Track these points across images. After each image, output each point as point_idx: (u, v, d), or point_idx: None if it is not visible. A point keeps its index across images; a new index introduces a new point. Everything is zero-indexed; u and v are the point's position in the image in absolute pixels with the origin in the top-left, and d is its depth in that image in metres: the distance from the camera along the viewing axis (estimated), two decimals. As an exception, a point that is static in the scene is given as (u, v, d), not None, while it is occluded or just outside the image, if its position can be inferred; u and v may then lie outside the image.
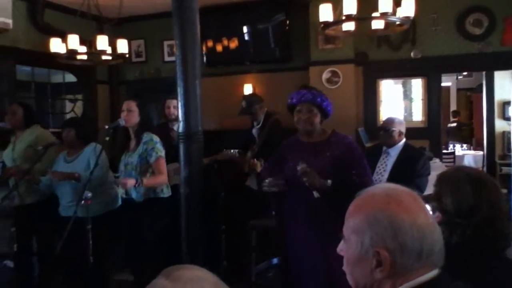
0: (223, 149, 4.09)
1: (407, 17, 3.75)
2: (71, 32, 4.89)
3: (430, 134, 6.25)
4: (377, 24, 3.96)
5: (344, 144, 2.80)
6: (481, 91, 8.74)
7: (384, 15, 3.63)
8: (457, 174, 1.66)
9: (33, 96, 6.79)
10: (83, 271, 3.45)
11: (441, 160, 6.13)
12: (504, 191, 4.29)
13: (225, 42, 6.78)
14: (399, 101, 6.61)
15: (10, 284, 4.21)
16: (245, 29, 6.67)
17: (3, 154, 4.15)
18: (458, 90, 12.38)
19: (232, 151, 3.87)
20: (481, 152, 8.73)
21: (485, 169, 8.03)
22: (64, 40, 4.84)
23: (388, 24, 3.95)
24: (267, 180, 2.77)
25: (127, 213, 3.79)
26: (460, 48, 5.94)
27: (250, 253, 4.27)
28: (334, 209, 2.53)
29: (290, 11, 6.43)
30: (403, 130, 3.94)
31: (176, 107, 3.27)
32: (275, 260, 4.52)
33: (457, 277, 1.14)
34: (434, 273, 1.10)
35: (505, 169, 7.66)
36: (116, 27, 6.46)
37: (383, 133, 3.95)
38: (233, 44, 6.75)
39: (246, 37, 6.70)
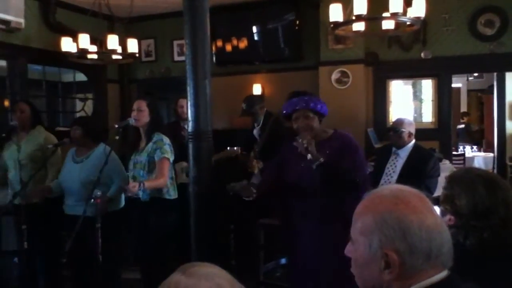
0: (226, 148, 4.10)
1: (418, 17, 3.72)
2: (83, 31, 4.93)
3: (440, 135, 6.21)
4: (388, 24, 3.94)
5: (342, 140, 2.86)
6: (492, 93, 8.66)
7: (394, 15, 3.61)
8: (469, 176, 1.64)
9: (44, 94, 6.84)
10: (93, 270, 3.46)
11: (451, 161, 6.09)
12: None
13: (235, 41, 6.79)
14: (409, 102, 6.57)
15: (19, 281, 4.25)
16: (254, 28, 6.68)
17: (4, 154, 4.07)
18: (469, 91, 12.28)
19: (235, 148, 3.89)
20: (491, 154, 8.66)
21: (495, 171, 7.96)
22: (75, 39, 4.88)
23: (399, 24, 3.93)
24: (237, 184, 2.82)
25: (133, 211, 3.81)
26: (471, 48, 5.89)
27: (258, 252, 4.27)
28: (339, 209, 2.55)
29: (300, 10, 6.42)
30: (413, 131, 3.92)
31: None
32: (283, 260, 4.53)
33: (473, 280, 1.13)
34: (443, 274, 1.09)
35: (516, 171, 7.60)
36: (126, 27, 6.49)
37: (392, 133, 3.93)
38: (243, 43, 6.76)
39: (256, 37, 6.70)
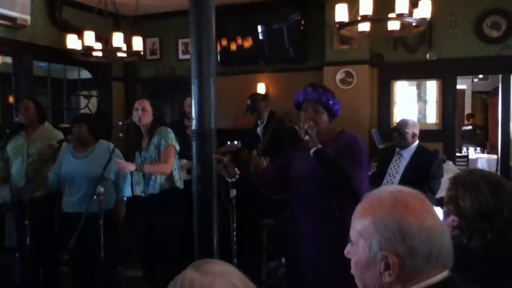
0: (227, 142, 4.12)
1: (424, 19, 3.72)
2: (88, 29, 4.94)
3: (444, 137, 6.20)
4: (393, 25, 3.93)
5: (347, 141, 2.72)
6: (497, 95, 8.64)
7: (400, 16, 3.61)
8: (474, 177, 1.63)
9: (49, 91, 6.86)
10: (95, 267, 3.47)
11: (454, 163, 6.08)
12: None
13: (240, 41, 6.79)
14: (413, 103, 6.56)
15: (20, 277, 4.26)
16: (260, 28, 6.68)
17: (10, 150, 4.09)
18: (474, 93, 12.25)
19: (235, 142, 3.89)
20: (495, 156, 8.63)
21: (498, 173, 7.94)
22: (81, 36, 4.89)
23: (404, 26, 3.92)
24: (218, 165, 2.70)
25: (137, 209, 3.82)
26: (477, 50, 5.88)
27: (261, 251, 4.28)
28: (340, 209, 2.51)
29: (306, 11, 6.42)
30: (417, 132, 3.91)
31: None
32: (285, 259, 4.53)
33: (477, 281, 1.13)
34: (444, 274, 1.09)
35: (519, 174, 7.57)
36: (132, 25, 6.51)
37: (396, 134, 3.93)
38: (248, 43, 6.76)
39: (261, 37, 6.70)
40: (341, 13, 3.79)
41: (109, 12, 5.26)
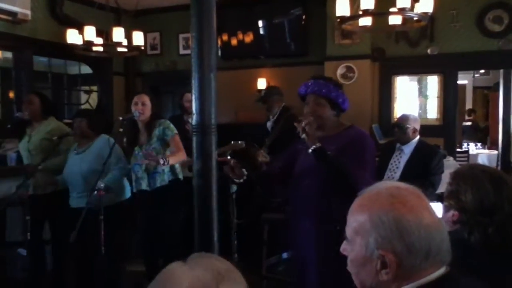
0: (231, 142, 4.13)
1: (425, 13, 3.70)
2: (89, 24, 4.93)
3: (445, 132, 6.19)
4: (395, 20, 3.92)
5: (352, 136, 2.61)
6: (498, 90, 8.62)
7: (402, 10, 3.59)
8: (475, 172, 1.63)
9: (49, 86, 6.86)
10: (96, 262, 3.48)
11: (455, 158, 6.07)
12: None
13: (241, 36, 6.78)
14: (414, 98, 6.55)
15: (24, 272, 4.28)
16: (261, 23, 6.66)
17: (19, 145, 4.18)
18: (475, 88, 12.23)
19: (239, 142, 3.91)
20: (495, 152, 8.62)
21: (499, 168, 7.93)
22: (81, 31, 4.88)
23: (406, 20, 3.91)
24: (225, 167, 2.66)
25: (140, 204, 3.83)
26: (479, 45, 5.85)
27: (262, 246, 4.28)
28: (342, 204, 2.46)
29: (307, 5, 6.40)
30: (418, 127, 3.91)
31: None
32: (285, 254, 4.54)
33: (477, 275, 1.13)
34: (442, 270, 1.08)
35: (520, 169, 7.56)
36: (133, 20, 6.49)
37: (397, 129, 3.93)
38: (249, 38, 6.75)
39: (262, 31, 6.69)
40: (342, 7, 3.77)
41: (110, 6, 5.24)
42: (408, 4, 3.54)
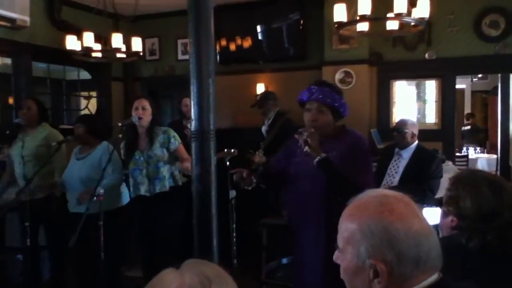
0: (224, 149, 4.15)
1: (422, 18, 3.72)
2: (87, 29, 4.94)
3: (444, 137, 6.20)
4: (392, 25, 3.94)
5: (352, 140, 2.63)
6: (497, 94, 8.63)
7: (399, 15, 3.61)
8: (474, 177, 1.63)
9: (48, 92, 6.86)
10: (95, 267, 3.48)
11: (454, 163, 6.08)
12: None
13: (239, 40, 6.79)
14: (413, 103, 6.56)
15: (22, 277, 4.27)
16: (259, 28, 6.67)
17: (11, 151, 4.13)
18: (473, 92, 12.26)
19: (232, 150, 3.93)
20: (494, 156, 8.63)
21: (498, 173, 7.94)
22: (80, 37, 4.89)
23: (403, 25, 3.92)
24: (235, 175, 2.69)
25: (138, 209, 3.82)
26: (476, 49, 5.88)
27: (261, 252, 4.27)
28: (338, 207, 2.44)
29: (305, 10, 6.42)
30: (416, 132, 3.92)
31: None
32: (284, 259, 4.53)
33: (475, 281, 1.13)
34: (434, 277, 1.09)
35: (519, 173, 7.56)
36: (131, 25, 6.51)
37: (395, 134, 3.94)
38: (247, 42, 6.76)
39: (260, 36, 6.70)
40: (339, 13, 3.79)
41: (108, 12, 5.25)
42: (405, 9, 3.55)
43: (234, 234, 3.52)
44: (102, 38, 5.07)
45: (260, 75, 6.83)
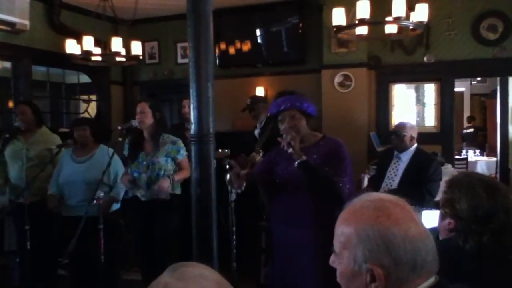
0: (218, 150, 4.16)
1: (421, 22, 3.74)
2: (87, 33, 4.95)
3: (443, 139, 6.21)
4: (390, 28, 3.95)
5: (331, 145, 2.73)
6: (495, 97, 8.65)
7: (397, 19, 3.62)
8: (470, 180, 1.64)
9: (48, 95, 6.88)
10: (94, 271, 3.48)
11: (453, 165, 6.09)
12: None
13: (238, 44, 6.80)
14: (412, 106, 6.58)
15: (20, 281, 4.26)
16: (258, 31, 6.69)
17: (8, 154, 4.09)
18: (472, 95, 12.28)
19: (226, 150, 3.94)
20: (494, 159, 8.64)
21: (498, 175, 7.95)
22: (79, 41, 4.90)
23: (402, 29, 3.94)
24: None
25: (136, 212, 3.82)
26: (474, 53, 5.90)
27: (259, 255, 4.27)
28: (325, 213, 2.44)
29: (304, 14, 6.44)
30: (415, 135, 3.92)
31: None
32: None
33: (472, 283, 1.13)
34: (431, 281, 1.09)
35: (518, 176, 7.57)
36: (130, 29, 6.52)
37: (394, 137, 3.94)
38: (246, 46, 6.78)
39: (259, 40, 6.71)
40: (338, 17, 3.80)
41: (108, 16, 5.27)
42: (403, 13, 3.57)
43: (234, 237, 3.51)
44: (102, 42, 5.09)
45: (259, 78, 6.84)
